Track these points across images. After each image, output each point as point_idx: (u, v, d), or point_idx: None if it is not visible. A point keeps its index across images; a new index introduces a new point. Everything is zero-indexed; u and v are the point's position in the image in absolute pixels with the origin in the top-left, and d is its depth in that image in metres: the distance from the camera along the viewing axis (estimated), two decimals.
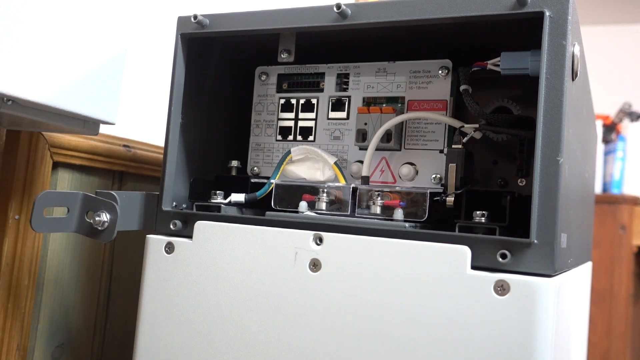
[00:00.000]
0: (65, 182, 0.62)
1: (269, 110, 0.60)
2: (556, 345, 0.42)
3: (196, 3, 0.80)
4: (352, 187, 0.52)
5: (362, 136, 0.55)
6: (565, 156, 0.42)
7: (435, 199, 0.49)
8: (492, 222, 0.45)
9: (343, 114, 0.57)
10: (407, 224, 0.47)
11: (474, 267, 0.42)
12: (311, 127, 0.58)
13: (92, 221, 0.50)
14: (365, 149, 0.54)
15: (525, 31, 0.46)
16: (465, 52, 0.53)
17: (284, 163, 0.57)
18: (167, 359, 0.51)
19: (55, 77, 0.46)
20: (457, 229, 0.45)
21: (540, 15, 0.43)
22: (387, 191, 0.50)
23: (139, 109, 0.75)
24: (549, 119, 0.42)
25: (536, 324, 0.40)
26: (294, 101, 0.59)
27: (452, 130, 0.53)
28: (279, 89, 0.60)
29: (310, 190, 0.53)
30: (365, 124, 0.54)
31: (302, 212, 0.52)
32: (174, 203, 0.55)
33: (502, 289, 0.41)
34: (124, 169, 0.68)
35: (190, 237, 0.52)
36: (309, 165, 0.57)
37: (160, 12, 0.78)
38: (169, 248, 0.52)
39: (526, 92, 0.53)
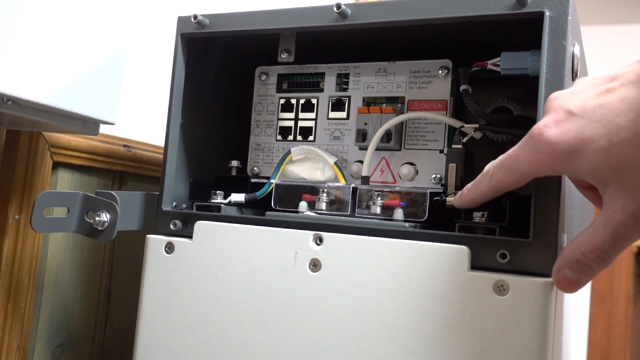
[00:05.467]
0: (65, 182, 0.62)
1: (269, 110, 0.60)
2: (556, 345, 0.42)
3: (196, 3, 0.80)
4: (352, 187, 0.52)
5: (362, 136, 0.55)
6: None
7: (435, 199, 0.49)
8: (492, 222, 0.45)
9: (343, 114, 0.57)
10: (407, 224, 0.47)
11: (473, 267, 0.42)
12: (311, 127, 0.58)
13: (92, 221, 0.50)
14: (365, 149, 0.54)
15: (525, 31, 0.46)
16: (465, 52, 0.53)
17: (284, 163, 0.57)
18: (167, 359, 0.51)
19: (55, 77, 0.46)
20: (457, 229, 0.45)
21: (540, 15, 0.43)
22: (387, 191, 0.50)
23: (139, 109, 0.75)
24: None
25: (536, 324, 0.40)
26: (294, 101, 0.59)
27: (452, 130, 0.53)
28: (279, 89, 0.60)
29: (310, 190, 0.53)
30: (365, 124, 0.54)
31: (302, 212, 0.52)
32: (174, 203, 0.55)
33: (502, 289, 0.41)
34: (124, 169, 0.68)
35: (190, 237, 0.52)
36: (309, 165, 0.57)
37: (160, 12, 0.78)
38: (169, 248, 0.52)
39: (526, 92, 0.53)
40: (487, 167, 0.41)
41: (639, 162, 0.33)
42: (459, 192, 0.45)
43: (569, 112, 0.35)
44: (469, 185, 0.44)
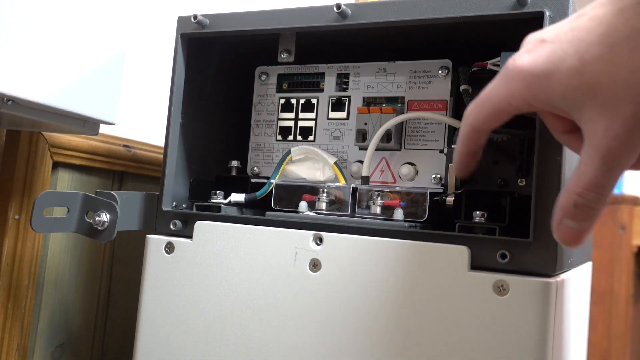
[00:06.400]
0: (65, 182, 0.62)
1: (269, 110, 0.60)
2: (556, 345, 0.42)
3: (196, 3, 0.80)
4: (352, 187, 0.52)
5: (362, 136, 0.55)
6: (565, 156, 0.42)
7: (435, 199, 0.49)
8: (492, 222, 0.45)
9: (343, 114, 0.57)
10: (407, 224, 0.47)
11: (473, 267, 0.42)
12: (311, 127, 0.58)
13: (92, 221, 0.50)
14: (365, 149, 0.54)
15: (525, 31, 0.46)
16: (465, 52, 0.53)
17: (284, 163, 0.57)
18: (167, 359, 0.51)
19: (55, 77, 0.46)
20: (457, 229, 0.45)
21: (540, 15, 0.43)
22: (387, 191, 0.50)
23: (139, 109, 0.75)
24: None
25: (536, 324, 0.40)
26: (294, 101, 0.59)
27: (452, 130, 0.53)
28: (279, 89, 0.60)
29: (310, 190, 0.53)
30: (365, 124, 0.54)
31: (302, 212, 0.52)
32: (174, 203, 0.55)
33: (501, 289, 0.41)
34: (124, 169, 0.68)
35: (190, 237, 0.52)
36: (309, 165, 0.57)
37: (160, 12, 0.78)
38: (169, 248, 0.52)
39: None
40: (465, 110, 0.40)
41: (611, 78, 0.31)
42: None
43: (542, 40, 0.34)
44: None
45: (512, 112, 0.37)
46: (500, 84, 0.36)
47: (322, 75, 0.58)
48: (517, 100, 0.36)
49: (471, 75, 0.51)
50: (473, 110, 0.38)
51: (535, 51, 0.34)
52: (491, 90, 0.37)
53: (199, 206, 0.55)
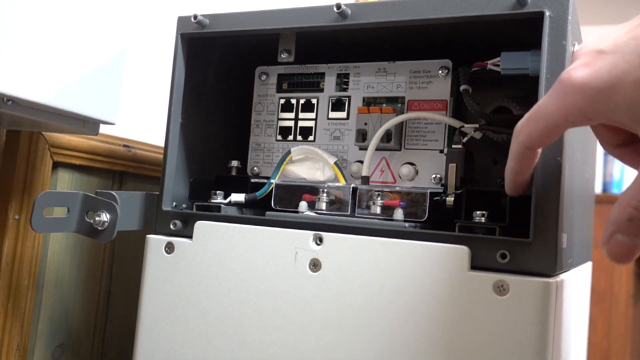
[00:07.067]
0: (65, 182, 0.62)
1: (269, 110, 0.60)
2: (556, 345, 0.42)
3: (196, 3, 0.80)
4: (352, 187, 0.52)
5: (362, 136, 0.55)
6: (565, 156, 0.42)
7: (435, 199, 0.49)
8: (492, 222, 0.45)
9: (343, 114, 0.57)
10: (407, 224, 0.47)
11: (473, 267, 0.42)
12: (311, 127, 0.58)
13: (92, 221, 0.50)
14: (365, 149, 0.54)
15: (525, 31, 0.46)
16: (465, 52, 0.53)
17: (284, 163, 0.57)
18: (167, 359, 0.51)
19: (55, 77, 0.46)
20: (457, 229, 0.45)
21: (540, 15, 0.43)
22: (387, 191, 0.50)
23: (139, 109, 0.75)
24: None
25: (536, 324, 0.40)
26: (294, 101, 0.59)
27: (452, 130, 0.53)
28: (279, 89, 0.60)
29: (310, 190, 0.53)
30: (365, 124, 0.54)
31: (302, 212, 0.52)
32: (174, 203, 0.55)
33: (502, 289, 0.41)
34: (124, 169, 0.68)
35: (190, 237, 0.52)
36: (309, 165, 0.57)
37: (160, 12, 0.78)
38: (169, 248, 0.52)
39: (526, 92, 0.53)
40: (515, 127, 0.38)
41: None
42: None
43: (599, 51, 0.33)
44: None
45: (567, 127, 0.36)
46: (555, 99, 0.34)
47: (322, 75, 0.58)
48: (575, 116, 0.34)
49: (471, 75, 0.51)
50: (525, 128, 0.37)
51: (594, 64, 0.33)
52: (544, 106, 0.35)
53: (199, 206, 0.55)
